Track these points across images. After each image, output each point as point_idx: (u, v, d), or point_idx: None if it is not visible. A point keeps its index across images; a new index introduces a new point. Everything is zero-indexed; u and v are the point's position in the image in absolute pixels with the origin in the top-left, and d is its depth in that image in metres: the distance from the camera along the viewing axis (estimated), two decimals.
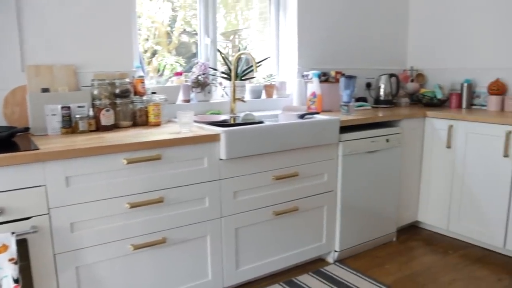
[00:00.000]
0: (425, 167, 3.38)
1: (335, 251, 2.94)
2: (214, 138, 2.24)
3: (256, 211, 2.49)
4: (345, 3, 3.63)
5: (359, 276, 2.76)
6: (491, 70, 3.51)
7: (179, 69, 3.09)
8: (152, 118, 2.52)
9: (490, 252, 3.13)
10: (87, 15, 2.50)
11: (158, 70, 3.10)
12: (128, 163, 2.00)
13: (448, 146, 3.19)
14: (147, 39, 3.08)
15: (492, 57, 3.53)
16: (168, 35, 3.18)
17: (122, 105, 2.47)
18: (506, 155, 2.88)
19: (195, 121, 2.55)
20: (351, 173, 2.88)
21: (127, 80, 2.52)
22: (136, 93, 2.58)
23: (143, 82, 2.60)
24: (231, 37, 3.61)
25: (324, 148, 2.71)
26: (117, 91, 2.46)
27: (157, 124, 2.53)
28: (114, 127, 2.42)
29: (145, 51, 3.09)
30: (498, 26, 3.47)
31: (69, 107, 2.25)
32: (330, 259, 2.96)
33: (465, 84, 3.58)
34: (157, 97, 2.58)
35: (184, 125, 2.28)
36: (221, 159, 2.29)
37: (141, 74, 2.70)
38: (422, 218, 3.47)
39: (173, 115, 2.68)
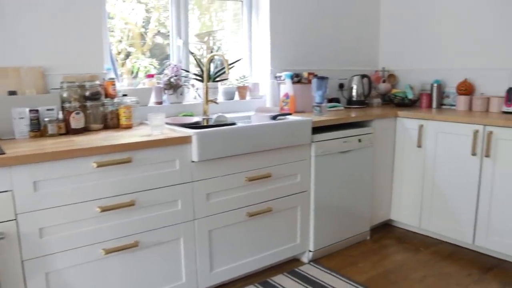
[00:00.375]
0: (397, 166, 3.43)
1: (310, 251, 2.96)
2: (186, 140, 2.23)
3: (230, 212, 2.49)
4: (317, 5, 3.66)
5: (333, 275, 2.79)
6: (459, 70, 3.59)
7: (153, 71, 3.07)
8: (123, 121, 2.49)
9: (460, 248, 3.20)
10: (55, 16, 2.46)
11: (132, 72, 3.07)
12: (98, 166, 1.97)
13: (419, 146, 3.25)
14: (120, 41, 3.05)
15: (460, 58, 3.61)
16: (142, 36, 3.15)
17: (92, 108, 2.44)
18: (474, 154, 2.95)
19: (167, 123, 2.54)
20: (324, 173, 2.90)
21: (98, 82, 2.49)
22: (107, 96, 2.55)
23: (114, 84, 2.57)
24: (206, 39, 3.60)
25: (297, 148, 2.73)
26: (87, 93, 2.43)
27: (128, 127, 2.50)
28: (85, 130, 2.39)
29: (119, 53, 3.06)
30: (465, 28, 3.55)
31: (37, 110, 2.21)
32: (304, 259, 2.98)
33: (435, 85, 3.66)
34: (128, 100, 2.55)
35: (156, 128, 2.27)
36: (193, 161, 2.28)
37: (112, 76, 2.67)
38: (395, 216, 3.52)
39: (145, 117, 2.66)
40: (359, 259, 3.05)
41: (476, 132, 2.92)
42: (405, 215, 3.44)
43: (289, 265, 2.92)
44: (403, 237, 3.42)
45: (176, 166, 2.24)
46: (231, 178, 2.46)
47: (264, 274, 2.79)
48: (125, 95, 2.59)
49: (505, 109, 3.22)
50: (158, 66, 3.14)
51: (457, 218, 3.11)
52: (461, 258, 3.06)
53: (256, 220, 2.63)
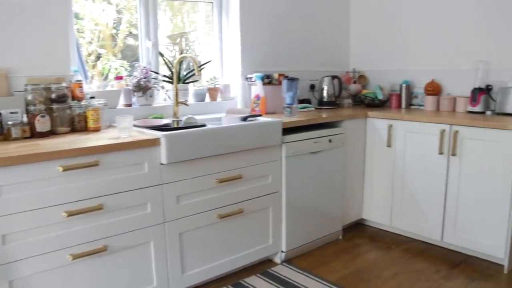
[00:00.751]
0: (367, 166, 3.48)
1: (282, 251, 2.97)
2: (154, 142, 2.21)
3: (200, 214, 2.48)
4: (288, 7, 3.68)
5: (306, 275, 2.80)
6: (427, 71, 3.66)
7: (124, 73, 3.03)
8: (91, 124, 2.46)
9: (430, 245, 3.26)
10: (19, 16, 2.40)
11: (103, 74, 3.03)
12: (64, 170, 1.94)
13: (389, 145, 3.30)
14: (90, 42, 3.00)
15: (428, 59, 3.68)
16: (113, 38, 3.11)
17: (59, 111, 2.39)
18: (441, 153, 3.01)
19: (136, 126, 2.51)
20: (295, 173, 2.92)
21: (64, 84, 2.45)
22: (74, 98, 2.50)
23: (81, 87, 2.53)
24: (178, 40, 3.58)
25: (267, 149, 2.74)
26: (53, 96, 2.39)
27: (96, 130, 2.47)
28: (51, 133, 2.34)
29: (89, 54, 3.01)
30: (432, 29, 3.63)
31: (0, 113, 2.15)
32: (277, 259, 2.98)
33: (404, 85, 3.72)
34: (96, 102, 2.52)
35: (124, 130, 2.24)
36: (162, 164, 2.27)
37: (80, 78, 2.62)
38: (367, 215, 3.56)
39: (114, 120, 2.62)
40: (332, 258, 3.07)
41: (442, 132, 2.98)
42: (377, 214, 3.49)
43: (262, 266, 2.92)
44: (375, 236, 3.47)
45: (145, 169, 2.21)
46: (201, 180, 2.45)
47: (237, 275, 2.79)
48: (92, 97, 2.55)
49: (470, 108, 3.29)
50: (129, 68, 3.11)
51: (426, 216, 3.17)
52: (431, 255, 3.12)
53: (227, 221, 2.62)
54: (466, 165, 2.91)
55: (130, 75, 2.98)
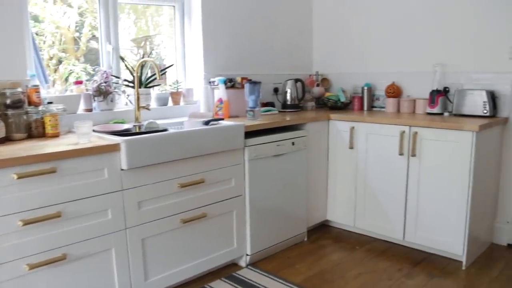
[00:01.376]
0: (331, 167, 3.52)
1: (247, 254, 2.97)
2: (114, 148, 2.18)
3: (163, 220, 2.46)
4: (250, 10, 3.70)
5: (271, 278, 2.81)
6: (388, 74, 3.74)
7: (86, 77, 2.97)
8: (49, 129, 2.40)
9: (392, 244, 3.33)
10: None
11: (64, 78, 2.97)
12: (19, 178, 1.89)
13: (351, 147, 3.35)
14: (52, 45, 2.94)
15: (388, 62, 3.77)
16: (76, 41, 3.05)
17: (14, 117, 2.32)
18: (401, 154, 3.07)
19: (96, 131, 2.47)
20: (258, 177, 2.93)
21: (20, 89, 2.38)
22: (30, 103, 2.44)
23: (38, 92, 2.47)
24: (142, 43, 3.54)
25: (230, 153, 2.74)
26: (8, 101, 2.32)
27: (55, 136, 2.41)
28: (6, 140, 2.27)
29: (51, 58, 2.95)
30: (392, 34, 3.71)
31: None
32: (242, 263, 2.98)
33: (366, 88, 3.79)
34: (54, 107, 2.46)
35: (82, 136, 2.20)
36: (122, 169, 2.23)
37: (36, 83, 2.56)
38: (331, 216, 3.61)
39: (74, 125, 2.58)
40: (297, 260, 3.10)
41: (402, 133, 3.05)
42: (341, 215, 3.54)
43: (227, 270, 2.92)
44: (339, 237, 3.51)
45: (104, 175, 2.18)
46: (163, 185, 2.42)
47: (202, 280, 2.78)
48: (50, 102, 2.50)
49: (429, 110, 3.38)
50: (92, 72, 3.05)
51: (388, 216, 3.23)
52: (394, 254, 3.18)
53: (190, 226, 2.61)
54: (425, 165, 2.99)
55: (90, 80, 2.93)
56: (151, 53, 3.45)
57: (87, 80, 2.95)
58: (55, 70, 2.98)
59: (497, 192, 3.27)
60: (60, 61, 3.00)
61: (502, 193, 3.27)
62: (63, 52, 3.03)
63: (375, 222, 3.32)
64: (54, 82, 2.94)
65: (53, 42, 2.97)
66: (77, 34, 3.07)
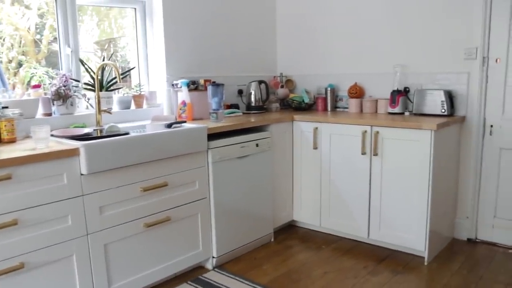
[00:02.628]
0: (296, 168, 3.55)
1: (213, 257, 2.96)
2: (73, 152, 2.14)
3: (126, 224, 2.42)
4: (213, 12, 3.69)
5: (237, 280, 2.81)
6: (350, 75, 3.80)
7: (48, 81, 2.90)
8: (4, 135, 2.34)
9: (358, 243, 3.37)
10: None
11: (24, 82, 2.89)
12: None
13: (315, 147, 3.39)
14: (11, 48, 2.86)
15: (350, 63, 3.83)
16: (36, 43, 2.98)
17: None
18: (363, 153, 3.13)
19: (54, 136, 2.42)
20: (223, 179, 2.92)
21: None
22: None
23: None
24: (106, 46, 3.49)
25: (193, 156, 2.72)
26: None
27: (11, 141, 2.35)
28: None
29: (10, 61, 2.87)
30: (353, 36, 3.77)
31: None
32: (209, 265, 2.97)
33: (329, 89, 3.84)
34: (10, 112, 2.39)
35: (40, 141, 2.15)
36: (82, 174, 2.19)
37: None
38: (297, 217, 3.63)
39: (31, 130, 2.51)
40: (264, 261, 3.10)
41: (364, 133, 3.10)
42: (307, 215, 3.57)
43: (194, 273, 2.90)
44: (306, 237, 3.54)
45: (63, 180, 2.13)
46: (125, 189, 2.39)
47: (168, 284, 2.75)
48: (5, 107, 2.42)
49: (390, 110, 3.46)
50: (55, 76, 2.98)
51: (353, 215, 3.28)
52: (359, 252, 3.23)
53: (154, 230, 2.58)
54: (387, 164, 3.05)
55: (49, 83, 2.86)
56: (112, 55, 3.39)
57: (49, 84, 2.88)
58: (15, 74, 2.90)
59: (456, 188, 3.37)
60: (20, 64, 2.92)
61: (461, 189, 3.36)
62: (23, 55, 2.96)
63: (341, 221, 3.37)
64: (14, 86, 2.87)
65: (12, 45, 2.89)
66: (38, 37, 3.00)
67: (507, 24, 3.08)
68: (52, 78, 2.90)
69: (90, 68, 2.98)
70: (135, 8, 3.36)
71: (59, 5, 2.91)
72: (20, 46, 2.94)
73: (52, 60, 3.03)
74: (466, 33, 3.21)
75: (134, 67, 3.33)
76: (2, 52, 2.79)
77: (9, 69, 2.88)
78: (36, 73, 3.01)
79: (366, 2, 3.68)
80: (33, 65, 2.98)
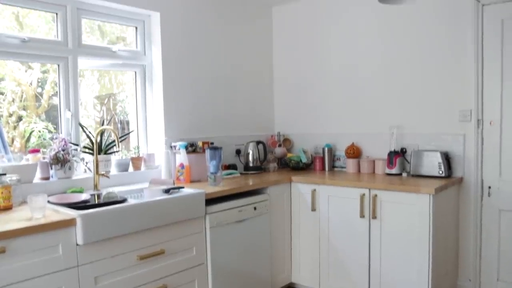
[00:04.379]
0: (294, 230, 3.51)
1: None
2: (70, 223, 2.11)
3: None
4: (211, 73, 3.76)
5: None
6: (347, 135, 3.84)
7: (48, 135, 2.91)
8: (1, 202, 2.31)
9: None
10: None
11: (24, 137, 2.91)
12: None
13: (313, 209, 3.36)
14: (12, 102, 2.89)
15: (347, 123, 3.88)
16: (37, 98, 3.02)
17: None
18: (362, 216, 3.10)
19: (51, 203, 2.40)
20: (220, 244, 2.88)
21: None
22: None
23: None
24: (106, 101, 3.53)
25: (191, 222, 2.69)
26: None
27: (7, 208, 2.33)
28: None
29: (10, 115, 2.89)
30: (350, 96, 3.84)
31: None
32: None
33: (326, 148, 3.86)
34: (7, 179, 2.38)
35: (36, 210, 2.13)
36: (78, 244, 2.16)
37: None
38: (296, 279, 3.56)
39: (29, 194, 2.46)
40: None
41: (362, 196, 3.09)
42: (305, 277, 3.49)
43: None
44: None
45: (59, 251, 2.09)
46: (121, 258, 2.34)
47: None
48: (3, 174, 2.41)
49: (388, 171, 3.46)
50: (54, 130, 3.00)
51: (353, 278, 3.21)
52: None
53: None
54: (386, 227, 3.02)
55: (52, 138, 2.85)
56: (116, 110, 3.42)
57: (50, 138, 2.88)
58: (15, 127, 2.92)
59: (457, 250, 3.32)
60: (20, 118, 2.95)
61: (462, 251, 3.32)
62: (23, 109, 2.98)
63: (340, 284, 3.29)
64: (13, 139, 2.88)
65: (13, 99, 2.93)
66: (39, 90, 3.03)
67: (499, 88, 3.14)
68: (51, 132, 2.92)
69: (89, 132, 3.00)
70: (135, 72, 3.42)
71: (61, 70, 2.96)
72: (21, 101, 2.97)
73: (52, 114, 3.05)
74: (460, 96, 3.28)
75: (133, 131, 3.36)
76: (2, 107, 2.82)
77: (9, 123, 2.90)
78: (36, 127, 3.04)
79: (362, 63, 3.77)
80: (32, 120, 3.00)
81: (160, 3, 3.37)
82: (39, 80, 3.03)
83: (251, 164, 3.78)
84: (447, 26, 3.33)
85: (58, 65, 2.96)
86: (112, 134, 2.81)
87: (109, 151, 3.04)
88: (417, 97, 3.48)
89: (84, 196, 2.58)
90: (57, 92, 3.00)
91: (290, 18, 4.27)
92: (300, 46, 4.19)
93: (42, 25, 3.01)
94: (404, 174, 3.43)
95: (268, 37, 4.36)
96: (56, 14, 2.94)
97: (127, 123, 3.53)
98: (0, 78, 2.86)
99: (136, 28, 3.41)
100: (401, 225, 2.95)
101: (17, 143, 2.97)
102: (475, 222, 3.26)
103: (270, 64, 4.36)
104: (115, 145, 2.99)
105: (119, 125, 3.52)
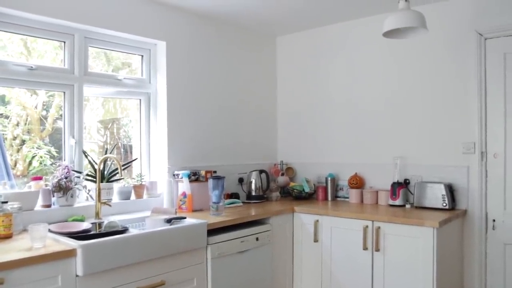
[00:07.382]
0: (296, 260, 3.47)
1: None
2: (70, 253, 2.09)
3: None
4: (215, 102, 3.79)
5: None
6: (350, 165, 3.83)
7: (50, 161, 2.91)
8: (1, 231, 2.30)
9: None
10: None
11: (30, 163, 2.91)
12: None
13: (316, 240, 3.33)
14: (17, 125, 2.91)
15: (350, 153, 3.87)
16: (42, 121, 3.03)
17: None
18: (365, 248, 3.07)
19: (52, 232, 2.38)
20: (222, 275, 2.84)
21: None
22: None
23: None
24: (110, 125, 3.54)
25: (192, 252, 2.66)
26: None
27: (7, 237, 2.31)
28: None
29: (14, 138, 2.90)
30: (353, 126, 3.85)
31: None
32: None
33: (329, 178, 3.84)
34: (9, 207, 2.37)
35: (37, 240, 2.11)
36: (77, 276, 2.13)
37: None
38: None
39: (30, 222, 2.46)
40: None
41: (365, 228, 3.06)
42: None
43: None
44: None
45: (58, 283, 2.06)
46: None
47: None
48: (5, 202, 2.40)
49: (391, 202, 3.44)
50: (56, 154, 2.99)
51: None
52: None
53: None
54: (389, 260, 2.97)
55: (53, 164, 2.84)
56: (120, 134, 3.43)
57: (51, 164, 2.87)
58: (18, 150, 2.92)
59: (461, 284, 3.27)
60: (24, 141, 2.96)
61: (466, 285, 3.27)
62: (28, 132, 3.00)
63: None
64: (16, 162, 2.88)
65: (18, 123, 2.94)
66: (44, 113, 3.05)
67: (503, 121, 3.14)
68: (53, 157, 2.91)
69: (93, 160, 3.00)
70: (140, 99, 3.44)
71: (67, 98, 2.98)
72: (25, 124, 2.98)
73: (55, 137, 3.06)
74: (464, 128, 3.28)
75: (136, 159, 3.36)
76: (6, 130, 2.83)
77: (12, 146, 2.90)
78: (38, 153, 3.04)
79: (365, 94, 3.79)
80: (36, 144, 3.00)
81: (166, 32, 3.42)
82: (44, 104, 3.05)
83: (253, 193, 3.76)
84: (450, 59, 3.35)
85: (64, 93, 2.98)
86: (116, 163, 2.81)
87: (112, 179, 3.03)
88: (420, 129, 3.49)
89: (85, 225, 2.56)
90: (61, 115, 3.02)
91: (294, 48, 4.31)
92: (304, 76, 4.22)
93: (49, 50, 3.05)
94: (408, 206, 3.40)
95: (272, 67, 4.40)
96: (64, 42, 2.98)
97: (130, 147, 3.54)
98: (6, 102, 2.88)
99: (142, 56, 3.44)
100: (404, 258, 2.91)
101: (20, 166, 2.97)
102: (480, 256, 3.22)
103: (274, 94, 4.39)
104: (118, 172, 2.99)
105: (122, 150, 3.53)
